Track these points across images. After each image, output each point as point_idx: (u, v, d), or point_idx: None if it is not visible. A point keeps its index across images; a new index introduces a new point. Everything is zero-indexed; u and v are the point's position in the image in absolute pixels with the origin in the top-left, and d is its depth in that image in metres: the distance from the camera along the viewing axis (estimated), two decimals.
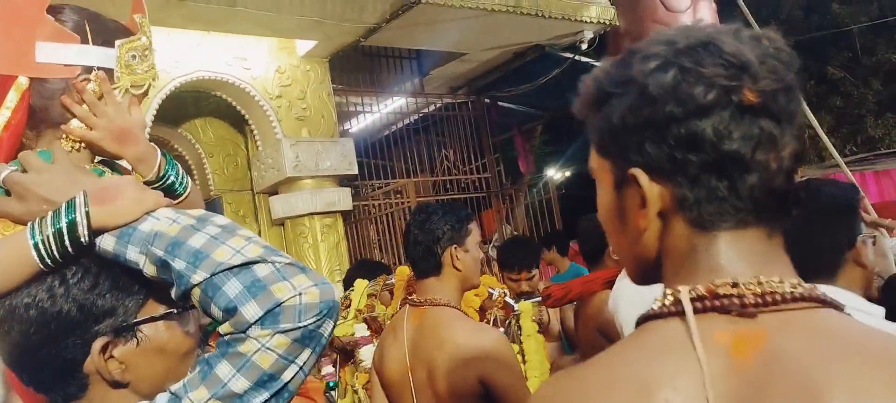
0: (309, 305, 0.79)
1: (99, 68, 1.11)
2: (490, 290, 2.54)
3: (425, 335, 1.88)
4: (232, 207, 5.31)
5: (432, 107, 6.39)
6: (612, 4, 5.51)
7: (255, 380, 0.78)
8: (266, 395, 0.80)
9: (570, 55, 5.71)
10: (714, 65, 0.61)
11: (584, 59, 5.70)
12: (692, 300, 0.62)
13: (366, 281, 2.94)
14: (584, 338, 2.70)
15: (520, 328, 2.62)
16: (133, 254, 0.84)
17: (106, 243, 0.86)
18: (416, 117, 6.41)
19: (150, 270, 0.84)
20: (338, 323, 2.73)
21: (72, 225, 0.85)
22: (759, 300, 0.61)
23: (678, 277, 0.65)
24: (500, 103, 6.68)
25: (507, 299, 2.56)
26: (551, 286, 2.93)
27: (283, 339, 0.78)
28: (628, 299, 2.15)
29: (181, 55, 4.49)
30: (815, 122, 4.49)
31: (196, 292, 0.81)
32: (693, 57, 0.62)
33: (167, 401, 0.80)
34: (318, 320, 0.80)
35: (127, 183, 0.90)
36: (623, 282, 2.26)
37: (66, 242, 0.85)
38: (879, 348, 0.58)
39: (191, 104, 5.15)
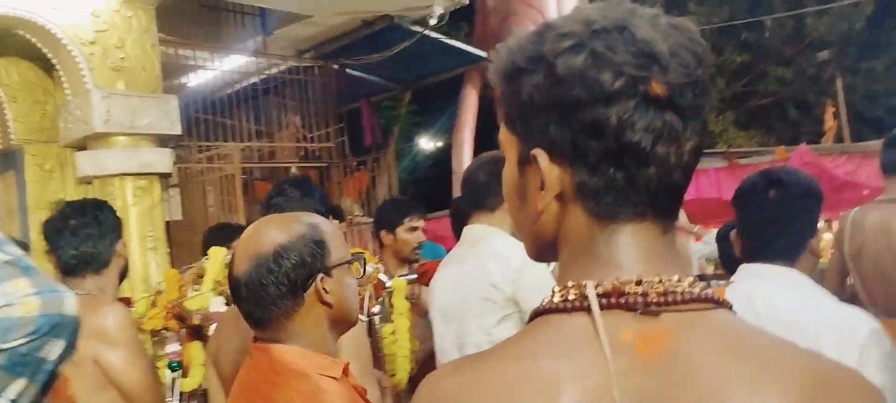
0: (21, 320, 0.59)
1: None
2: (368, 266, 2.39)
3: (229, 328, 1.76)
4: (36, 159, 4.79)
5: (275, 70, 6.07)
6: None
7: None
8: None
9: (420, 28, 5.60)
10: (625, 52, 0.60)
11: (433, 34, 5.61)
12: (597, 296, 0.62)
13: (224, 249, 2.62)
14: None
15: (392, 306, 2.50)
16: None
17: None
18: (257, 79, 6.07)
19: None
20: (191, 295, 2.37)
21: None
22: (662, 298, 0.61)
23: (575, 265, 0.65)
24: (348, 71, 6.47)
25: (381, 276, 2.43)
26: (426, 263, 2.82)
27: None
28: (440, 289, 2.19)
29: None
30: None
31: None
32: (606, 41, 0.60)
33: None
34: (35, 340, 0.59)
35: None
36: (439, 273, 2.26)
37: None
38: (772, 350, 0.60)
39: None
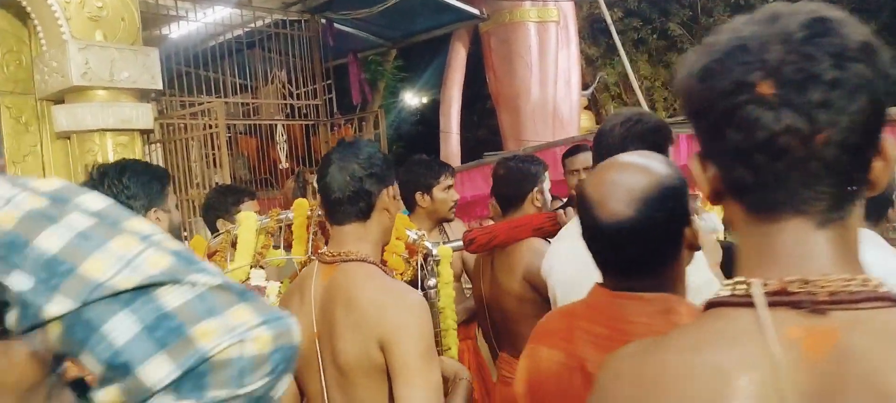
0: (257, 358, 0.50)
1: None
2: (409, 233, 2.27)
3: (334, 296, 1.55)
4: (12, 112, 4.62)
5: (260, 23, 5.88)
6: None
7: None
8: None
9: None
10: (739, 60, 0.63)
11: None
12: (766, 293, 0.63)
13: (254, 214, 2.43)
14: (506, 285, 2.55)
15: (437, 274, 2.39)
16: None
17: None
18: (242, 31, 5.88)
19: None
20: (230, 268, 2.13)
21: None
22: (831, 297, 0.62)
23: (746, 259, 0.68)
24: (336, 26, 6.29)
25: (426, 243, 2.32)
26: (474, 230, 2.72)
27: None
28: (563, 262, 2.00)
29: None
30: (633, 80, 4.57)
31: (54, 330, 0.49)
32: (722, 50, 0.65)
33: None
34: (272, 380, 0.51)
35: None
36: (559, 245, 2.08)
37: None
38: None
39: None
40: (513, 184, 2.67)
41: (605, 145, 1.95)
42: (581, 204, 1.20)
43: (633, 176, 1.14)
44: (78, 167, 4.43)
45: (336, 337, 1.54)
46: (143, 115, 4.51)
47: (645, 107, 4.78)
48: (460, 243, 2.72)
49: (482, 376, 3.02)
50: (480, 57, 9.89)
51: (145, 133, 4.66)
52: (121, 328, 0.48)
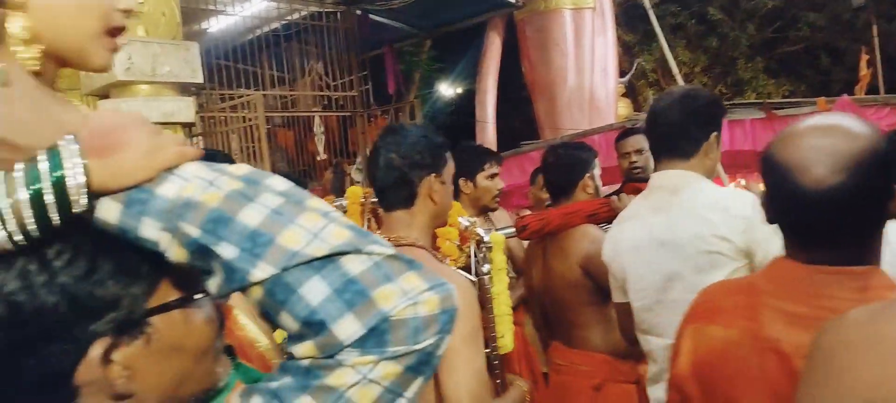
0: (427, 318, 0.57)
1: None
2: (461, 220, 2.29)
3: None
4: None
5: (297, 15, 5.93)
6: None
7: None
8: None
9: None
10: None
11: None
12: None
13: (359, 188, 2.47)
14: (560, 273, 2.54)
15: (490, 260, 2.40)
16: (150, 231, 0.58)
17: (107, 212, 0.59)
18: (278, 25, 5.93)
19: (176, 254, 0.59)
20: None
21: (59, 186, 0.57)
22: None
23: None
24: (371, 16, 6.30)
25: (478, 229, 2.33)
26: (527, 216, 2.73)
27: (392, 367, 0.56)
28: (632, 245, 1.97)
29: None
30: (673, 66, 4.49)
31: (256, 292, 0.57)
32: None
33: None
34: (439, 339, 0.58)
35: (134, 121, 0.62)
36: (622, 229, 2.04)
37: (50, 211, 0.57)
38: None
39: None
40: (564, 171, 2.65)
41: (664, 124, 1.93)
42: (773, 170, 1.11)
43: (839, 139, 1.05)
44: None
45: None
46: (185, 109, 4.59)
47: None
48: (512, 230, 2.71)
49: (530, 363, 3.01)
50: (515, 45, 9.81)
51: (187, 126, 4.74)
52: (315, 290, 0.56)
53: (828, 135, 1.08)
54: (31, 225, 0.58)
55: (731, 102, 10.71)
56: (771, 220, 1.16)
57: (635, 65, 12.45)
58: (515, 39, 9.74)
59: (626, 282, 2.00)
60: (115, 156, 0.59)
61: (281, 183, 0.61)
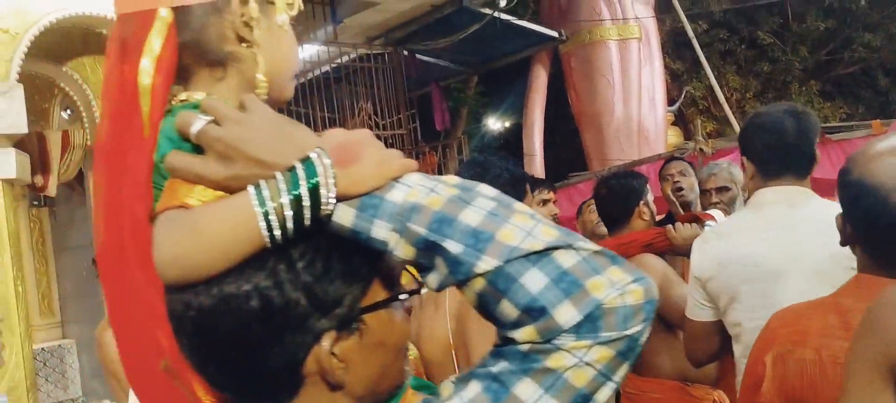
0: (635, 307, 0.62)
1: None
2: None
3: (469, 308, 1.65)
4: None
5: (346, 58, 6.12)
6: None
7: None
8: None
9: (490, 11, 5.53)
10: None
11: (504, 16, 5.52)
12: None
13: None
14: None
15: None
16: (381, 231, 0.66)
17: (343, 216, 0.67)
18: (329, 68, 6.14)
19: (404, 251, 0.66)
20: None
21: (314, 192, 0.65)
22: None
23: None
24: (417, 56, 6.45)
25: None
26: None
27: (604, 351, 0.61)
28: (740, 259, 1.90)
29: None
30: (720, 94, 4.45)
31: (478, 283, 0.63)
32: None
33: None
34: (644, 326, 0.63)
35: (364, 137, 0.70)
36: (729, 243, 1.96)
37: (306, 213, 0.66)
38: None
39: (78, 40, 4.75)
40: (618, 201, 2.66)
41: (778, 140, 1.89)
42: (860, 191, 1.15)
43: None
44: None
45: (471, 348, 1.57)
46: None
47: (733, 120, 4.66)
48: None
49: None
50: (561, 78, 9.85)
51: None
52: (534, 280, 0.61)
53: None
54: (289, 225, 0.66)
55: None
56: (847, 242, 1.19)
57: (684, 93, 12.32)
58: (561, 72, 9.80)
59: (735, 301, 1.90)
60: (354, 166, 0.67)
61: (490, 189, 0.68)
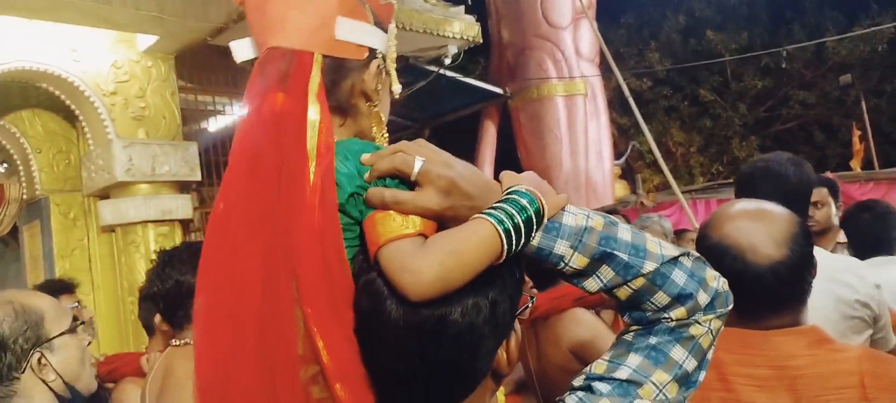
0: (728, 292, 0.88)
1: (379, 52, 1.01)
2: None
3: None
4: (61, 209, 4.87)
5: None
6: (477, 21, 5.48)
7: (699, 360, 0.86)
8: (702, 374, 0.87)
9: (435, 69, 5.64)
10: None
11: (449, 74, 5.64)
12: None
13: None
14: (553, 359, 2.53)
15: None
16: (562, 248, 0.84)
17: (534, 237, 0.85)
18: None
19: (577, 262, 0.85)
20: None
21: (538, 216, 0.83)
22: None
23: None
24: None
25: None
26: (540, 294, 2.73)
27: (718, 322, 0.87)
28: None
29: (1, 41, 4.06)
30: (654, 149, 4.61)
31: (639, 282, 0.84)
32: None
33: (615, 389, 0.83)
34: (728, 310, 0.88)
35: (538, 177, 0.88)
36: None
37: (533, 232, 0.83)
38: None
39: (16, 94, 4.69)
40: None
41: (782, 181, 2.00)
42: (721, 252, 1.25)
43: (774, 219, 1.26)
44: (122, 258, 4.62)
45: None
46: (183, 206, 4.71)
47: (668, 174, 4.83)
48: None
49: None
50: (511, 131, 10.04)
51: (184, 223, 4.85)
52: (679, 277, 0.85)
53: (764, 217, 1.26)
54: (521, 242, 0.82)
55: (728, 181, 10.82)
56: None
57: (630, 147, 12.66)
58: (510, 126, 10.00)
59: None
60: (545, 197, 0.84)
61: (622, 219, 0.92)
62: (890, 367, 1.22)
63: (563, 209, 0.86)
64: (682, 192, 8.21)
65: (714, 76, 15.64)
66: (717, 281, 0.87)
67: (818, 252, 1.94)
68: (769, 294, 1.20)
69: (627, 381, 0.84)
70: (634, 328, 0.88)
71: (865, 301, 1.88)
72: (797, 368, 1.20)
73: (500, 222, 0.80)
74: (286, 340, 0.82)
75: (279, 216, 0.84)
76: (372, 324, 0.81)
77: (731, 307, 0.88)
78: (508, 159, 10.81)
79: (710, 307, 0.86)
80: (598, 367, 0.87)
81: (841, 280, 1.89)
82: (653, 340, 0.85)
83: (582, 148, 9.96)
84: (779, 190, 1.99)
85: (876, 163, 11.62)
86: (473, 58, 10.84)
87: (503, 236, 0.80)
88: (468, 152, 10.12)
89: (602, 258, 0.84)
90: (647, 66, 15.33)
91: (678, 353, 0.85)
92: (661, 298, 0.85)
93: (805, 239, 1.25)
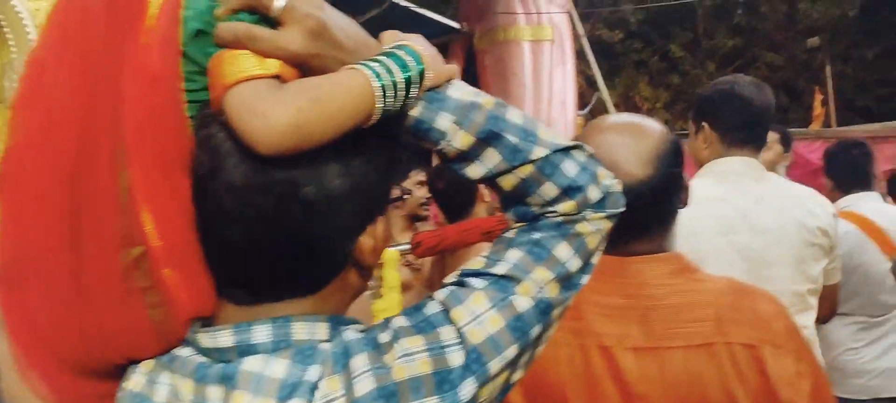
0: (620, 194, 0.81)
1: None
2: None
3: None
4: None
5: None
6: None
7: (585, 260, 0.79)
8: (586, 277, 0.80)
9: None
10: None
11: (402, 3, 5.43)
12: None
13: (395, 251, 2.42)
14: None
15: (382, 279, 2.30)
16: (444, 122, 0.74)
17: (412, 105, 0.74)
18: None
19: (461, 141, 0.74)
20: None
21: (420, 77, 0.72)
22: None
23: None
24: None
25: None
26: (423, 233, 2.65)
27: (608, 224, 0.80)
28: (715, 229, 1.82)
29: None
30: (607, 101, 4.52)
31: (527, 169, 0.75)
32: None
33: (491, 284, 0.74)
34: (623, 207, 0.81)
35: (425, 41, 0.77)
36: (695, 210, 1.82)
37: (411, 94, 0.72)
38: None
39: None
40: (457, 188, 2.60)
41: (746, 104, 1.89)
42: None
43: (641, 135, 1.13)
44: None
45: None
46: None
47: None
48: (407, 245, 2.66)
49: None
50: (476, 73, 9.88)
51: None
52: (570, 167, 0.76)
53: (632, 132, 1.14)
54: (399, 102, 0.71)
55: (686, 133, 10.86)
56: None
57: (595, 97, 12.58)
58: (476, 67, 9.81)
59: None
60: (431, 63, 0.73)
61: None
62: (754, 301, 1.12)
63: (449, 81, 0.76)
64: None
65: (685, 32, 15.56)
66: (609, 179, 0.80)
67: (781, 180, 1.91)
68: (631, 216, 1.05)
69: (505, 276, 0.74)
70: (517, 225, 0.79)
71: (826, 228, 1.84)
72: (651, 297, 1.09)
73: (377, 76, 0.69)
74: (102, 212, 0.67)
75: (107, 58, 0.68)
76: (210, 188, 0.68)
77: (621, 210, 0.81)
78: None
79: (601, 204, 0.78)
80: (476, 263, 0.77)
81: (806, 207, 1.85)
82: (536, 235, 0.77)
83: (546, 95, 9.82)
84: (742, 113, 1.91)
85: (834, 126, 11.74)
86: None
87: (378, 92, 0.68)
88: None
89: (488, 138, 0.74)
90: (622, 17, 15.18)
91: (563, 251, 0.76)
92: (549, 189, 0.76)
93: (674, 159, 1.13)
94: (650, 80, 15.66)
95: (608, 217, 0.79)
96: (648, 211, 1.10)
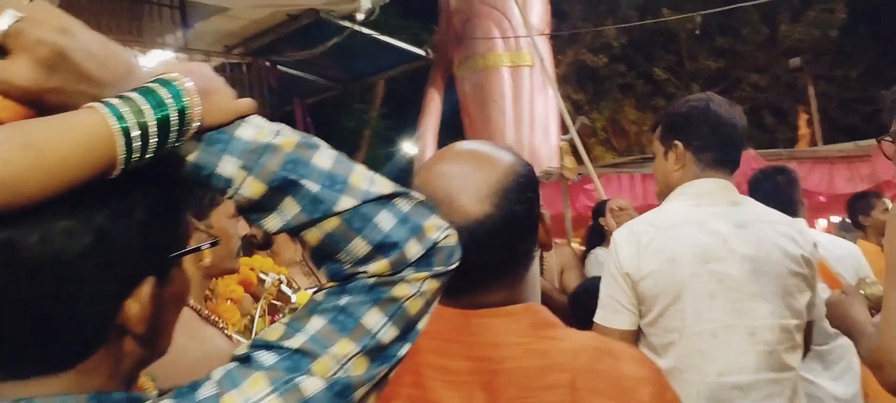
0: (454, 247, 0.71)
1: None
2: (261, 275, 2.09)
3: None
4: None
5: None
6: None
7: (403, 329, 0.68)
8: (406, 346, 0.69)
9: (349, 24, 5.35)
10: None
11: (364, 30, 5.36)
12: None
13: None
14: None
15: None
16: (229, 167, 0.64)
17: (187, 148, 0.64)
18: None
19: (251, 190, 0.64)
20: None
21: (182, 114, 0.61)
22: None
23: None
24: (280, 68, 6.19)
25: (283, 288, 2.13)
26: None
27: (434, 283, 0.69)
28: (696, 256, 1.69)
29: None
30: (571, 127, 4.44)
31: (332, 222, 0.65)
32: None
33: (281, 361, 0.63)
34: (456, 264, 0.72)
35: (209, 70, 0.68)
36: (673, 234, 1.73)
37: (171, 138, 0.61)
38: None
39: None
40: None
41: (722, 124, 1.78)
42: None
43: (478, 166, 0.95)
44: None
45: None
46: None
47: (588, 164, 4.77)
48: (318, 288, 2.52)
49: None
50: (456, 101, 9.84)
51: None
52: (385, 220, 0.66)
53: (470, 161, 0.96)
54: (152, 150, 0.60)
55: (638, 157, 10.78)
56: None
57: (578, 122, 12.54)
58: (456, 93, 9.75)
59: (679, 300, 1.67)
60: (210, 97, 0.64)
61: (324, 143, 0.69)
62: (616, 364, 0.92)
63: (242, 119, 0.66)
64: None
65: (669, 55, 15.61)
66: (439, 232, 0.69)
67: (757, 204, 1.76)
68: (470, 261, 0.82)
69: (299, 351, 0.63)
70: (329, 285, 0.69)
71: (809, 258, 1.71)
72: (499, 360, 0.92)
73: (120, 118, 0.58)
74: None
75: None
76: None
77: (454, 267, 0.70)
78: (455, 130, 10.59)
79: (424, 262, 0.67)
80: (273, 333, 0.66)
81: (786, 233, 1.71)
82: (344, 300, 0.66)
83: (527, 120, 9.78)
84: (719, 132, 1.78)
85: (820, 145, 11.68)
86: (427, 25, 10.58)
87: (119, 136, 0.58)
88: (415, 121, 9.90)
89: (284, 186, 0.64)
90: (606, 42, 15.21)
91: (373, 319, 0.66)
92: (359, 246, 0.65)
93: (520, 195, 0.94)
94: (636, 104, 15.66)
95: (436, 276, 0.69)
96: (487, 256, 0.92)
